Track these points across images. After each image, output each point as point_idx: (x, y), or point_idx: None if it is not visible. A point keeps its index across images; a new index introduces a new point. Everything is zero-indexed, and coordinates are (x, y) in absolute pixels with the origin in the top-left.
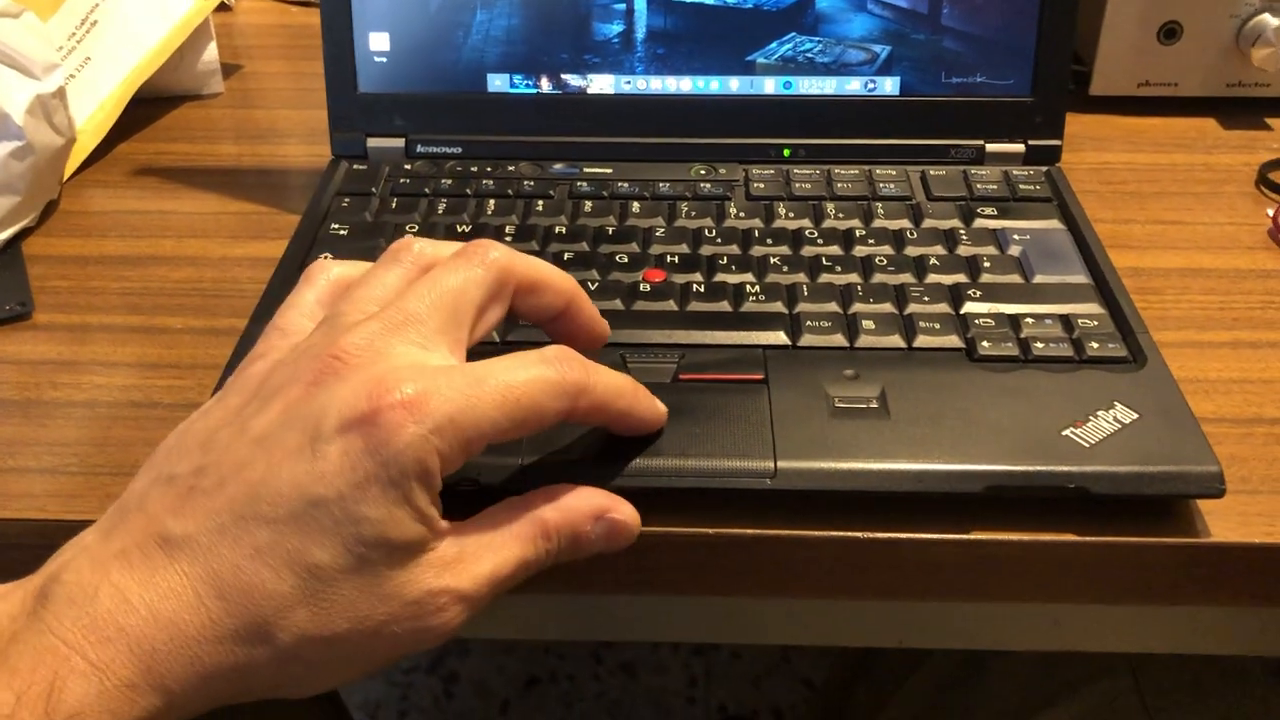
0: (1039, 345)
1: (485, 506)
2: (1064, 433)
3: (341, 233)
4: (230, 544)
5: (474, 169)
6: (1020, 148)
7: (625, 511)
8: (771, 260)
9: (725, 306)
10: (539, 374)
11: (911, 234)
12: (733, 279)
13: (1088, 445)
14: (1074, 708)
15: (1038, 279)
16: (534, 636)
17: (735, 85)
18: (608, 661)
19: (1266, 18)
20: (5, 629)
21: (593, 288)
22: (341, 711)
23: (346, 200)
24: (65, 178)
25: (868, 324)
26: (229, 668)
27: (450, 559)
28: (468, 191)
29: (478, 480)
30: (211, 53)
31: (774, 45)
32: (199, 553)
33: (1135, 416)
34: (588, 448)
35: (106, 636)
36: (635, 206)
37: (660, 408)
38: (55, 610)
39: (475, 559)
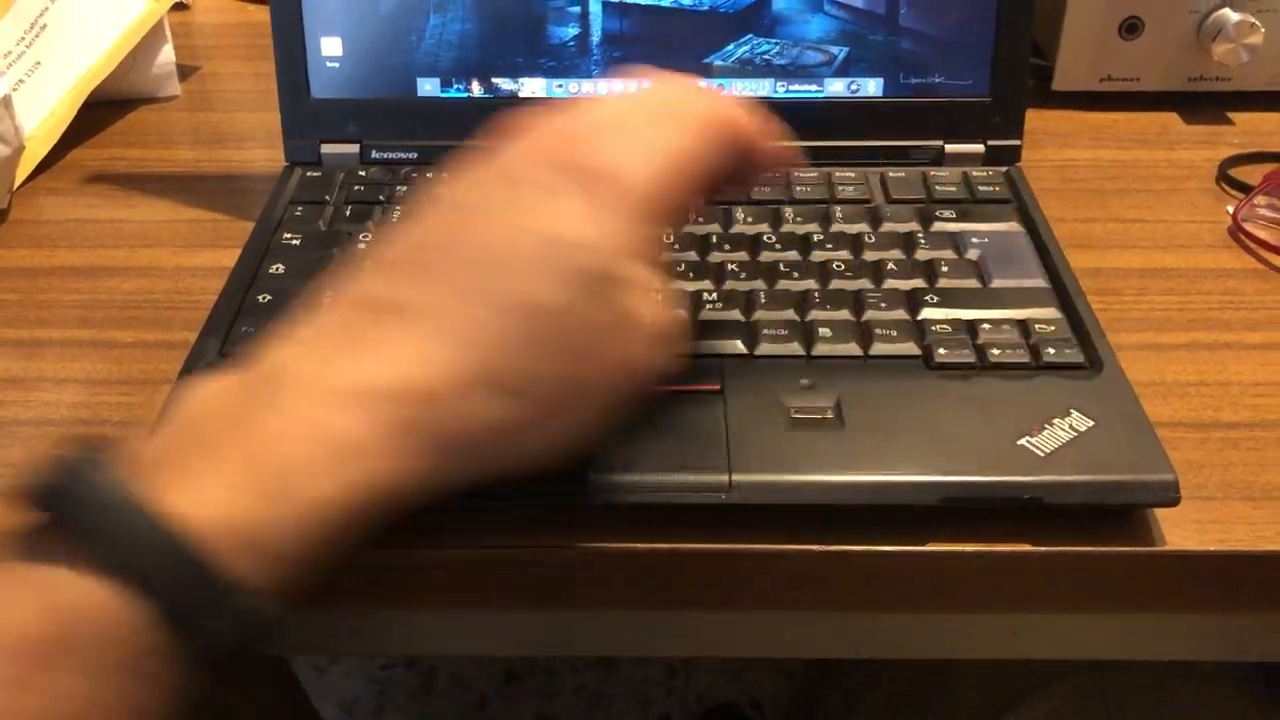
0: (995, 352)
1: (435, 527)
2: (1020, 442)
3: (294, 242)
4: (457, 298)
5: (429, 176)
6: (980, 148)
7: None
8: (729, 267)
9: (681, 315)
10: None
11: (870, 238)
12: (689, 286)
13: (1043, 454)
14: (1040, 707)
15: (995, 283)
16: (494, 653)
17: None
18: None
19: (1227, 12)
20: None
21: None
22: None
23: (300, 209)
24: (15, 186)
25: (824, 331)
26: (471, 425)
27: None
28: None
29: None
30: (167, 54)
31: (731, 48)
32: (421, 312)
33: (1091, 424)
34: None
35: (322, 397)
36: None
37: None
38: (265, 388)
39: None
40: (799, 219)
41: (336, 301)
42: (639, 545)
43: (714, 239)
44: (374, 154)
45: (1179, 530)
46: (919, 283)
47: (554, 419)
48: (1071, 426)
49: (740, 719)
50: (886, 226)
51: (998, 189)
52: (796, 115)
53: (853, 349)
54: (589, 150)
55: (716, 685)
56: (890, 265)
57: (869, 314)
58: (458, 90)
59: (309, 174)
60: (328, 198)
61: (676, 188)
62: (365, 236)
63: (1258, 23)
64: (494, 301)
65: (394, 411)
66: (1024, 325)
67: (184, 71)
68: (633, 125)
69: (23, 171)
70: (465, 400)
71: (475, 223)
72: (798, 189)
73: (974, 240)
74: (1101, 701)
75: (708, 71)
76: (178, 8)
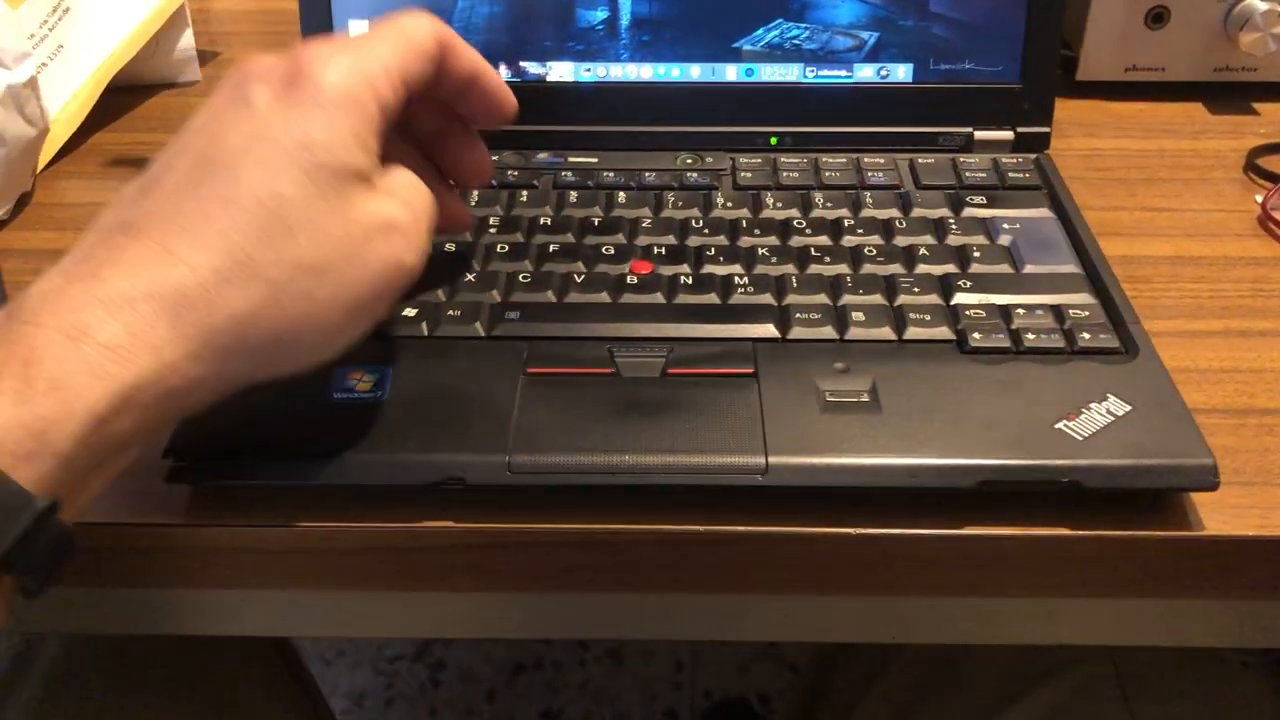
0: (1030, 336)
1: (471, 506)
2: (1057, 426)
3: None
4: (192, 201)
5: None
6: (1009, 135)
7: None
8: (760, 251)
9: (713, 299)
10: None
11: (900, 223)
12: (721, 270)
13: (1081, 438)
14: (1053, 693)
15: (1028, 269)
16: (517, 635)
17: (721, 72)
18: (594, 648)
19: (1254, 1)
20: None
21: (579, 280)
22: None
23: None
24: (39, 169)
25: (857, 315)
26: (225, 317)
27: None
28: (450, 182)
29: (464, 480)
30: (188, 39)
31: (760, 32)
32: (161, 220)
33: (1128, 408)
34: (575, 445)
35: (79, 305)
36: (621, 197)
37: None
38: (24, 310)
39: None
40: (829, 204)
41: (85, 234)
42: (674, 527)
43: (744, 223)
44: None
45: (1217, 516)
46: (951, 268)
47: (306, 307)
48: (1109, 411)
49: (748, 714)
50: (917, 212)
51: (1028, 175)
52: (825, 100)
53: (886, 333)
54: (300, 62)
55: (723, 680)
56: (922, 250)
57: (902, 298)
58: None
59: None
60: None
61: (371, 84)
62: None
63: None
64: (229, 196)
65: (145, 313)
66: (1058, 310)
67: (204, 57)
68: (344, 43)
69: (46, 154)
70: (211, 291)
71: (212, 136)
72: (827, 174)
73: (1005, 226)
74: (1116, 687)
75: (737, 56)
76: None
